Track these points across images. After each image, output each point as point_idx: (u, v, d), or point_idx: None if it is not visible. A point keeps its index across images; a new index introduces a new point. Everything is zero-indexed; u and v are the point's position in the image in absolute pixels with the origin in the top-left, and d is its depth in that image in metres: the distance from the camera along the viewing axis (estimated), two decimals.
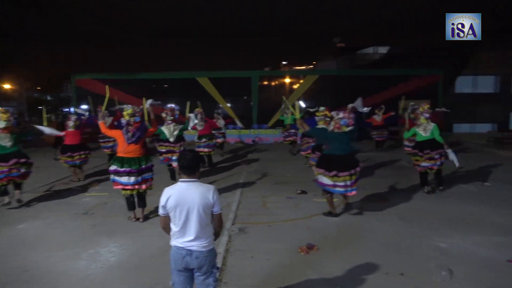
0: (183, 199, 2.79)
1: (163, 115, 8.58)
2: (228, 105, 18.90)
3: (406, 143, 10.82)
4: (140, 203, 6.07)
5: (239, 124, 16.69)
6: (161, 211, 2.88)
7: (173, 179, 8.59)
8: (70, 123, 9.08)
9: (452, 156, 7.29)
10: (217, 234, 3.03)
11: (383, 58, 25.22)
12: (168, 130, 8.47)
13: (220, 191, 7.72)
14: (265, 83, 19.90)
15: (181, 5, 13.36)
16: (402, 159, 11.47)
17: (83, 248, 4.95)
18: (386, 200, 7.08)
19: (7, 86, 24.90)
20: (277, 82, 20.11)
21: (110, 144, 11.26)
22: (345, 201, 6.36)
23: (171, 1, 13.47)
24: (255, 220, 6.01)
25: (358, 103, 7.42)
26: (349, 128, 6.04)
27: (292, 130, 13.04)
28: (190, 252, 2.80)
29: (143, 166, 5.91)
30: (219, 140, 13.19)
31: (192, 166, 2.86)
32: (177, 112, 9.12)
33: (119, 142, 5.92)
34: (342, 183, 5.81)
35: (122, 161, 5.82)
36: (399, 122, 13.43)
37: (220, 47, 21.74)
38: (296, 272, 4.18)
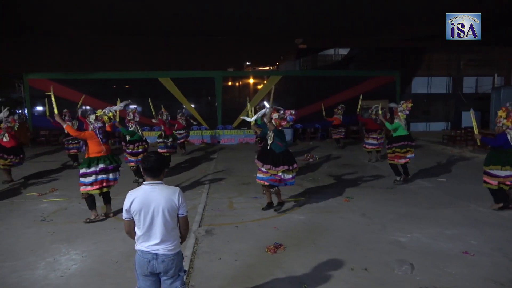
0: (148, 202, 2.72)
1: (129, 116, 8.68)
2: (192, 105, 18.69)
3: (369, 141, 11.29)
4: (107, 200, 6.27)
5: (204, 125, 16.58)
6: (125, 215, 2.80)
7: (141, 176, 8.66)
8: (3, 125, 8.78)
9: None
10: (183, 237, 2.98)
11: (344, 59, 25.91)
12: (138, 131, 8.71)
13: (186, 193, 7.68)
14: (229, 83, 19.86)
15: (141, 2, 13.01)
16: (363, 158, 11.86)
17: (41, 257, 4.69)
18: (350, 198, 7.29)
19: None
20: (241, 83, 20.11)
21: (75, 145, 11.12)
22: (279, 198, 6.55)
23: None
24: (222, 221, 5.98)
25: (264, 104, 7.31)
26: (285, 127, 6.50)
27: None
28: (156, 256, 2.75)
29: (115, 164, 6.18)
30: (183, 140, 13.43)
31: (157, 168, 2.80)
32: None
33: (93, 142, 5.98)
34: (278, 177, 6.19)
35: (97, 161, 5.97)
36: (359, 121, 13.98)
37: (183, 46, 21.38)
38: (264, 271, 4.20)
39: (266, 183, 6.35)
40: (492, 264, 4.31)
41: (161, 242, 2.74)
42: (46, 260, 4.61)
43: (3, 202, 7.40)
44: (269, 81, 19.00)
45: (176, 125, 13.09)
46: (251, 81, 20.03)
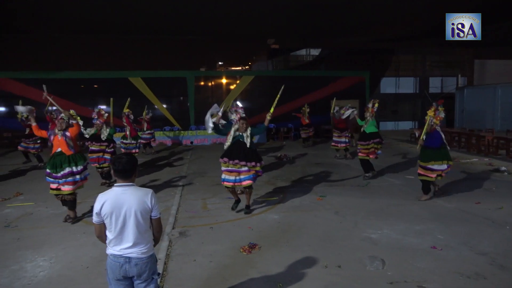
0: (119, 204, 2.66)
1: (95, 115, 8.61)
2: (164, 106, 18.40)
3: (339, 139, 11.69)
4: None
5: (176, 125, 16.40)
6: (95, 219, 2.72)
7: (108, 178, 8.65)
8: None
9: None
10: (156, 240, 2.93)
11: (315, 60, 26.30)
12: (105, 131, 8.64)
13: (159, 194, 7.55)
14: (202, 83, 19.70)
15: (112, 0, 12.71)
16: (334, 156, 12.07)
17: (4, 265, 4.47)
18: (323, 196, 7.39)
19: None
20: (213, 83, 20.00)
21: (37, 145, 11.18)
22: (247, 197, 6.48)
23: None
24: (196, 223, 5.92)
25: (214, 109, 7.34)
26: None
27: None
28: (128, 259, 2.68)
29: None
30: (149, 141, 13.66)
31: (128, 170, 2.73)
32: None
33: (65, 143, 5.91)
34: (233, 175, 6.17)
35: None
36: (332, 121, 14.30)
37: (154, 46, 20.98)
38: (239, 272, 4.19)
39: (227, 184, 6.25)
40: (458, 258, 4.48)
41: (134, 245, 2.68)
42: (10, 268, 4.40)
43: None
44: (241, 81, 19.00)
45: (146, 125, 13.04)
46: (224, 81, 19.96)
